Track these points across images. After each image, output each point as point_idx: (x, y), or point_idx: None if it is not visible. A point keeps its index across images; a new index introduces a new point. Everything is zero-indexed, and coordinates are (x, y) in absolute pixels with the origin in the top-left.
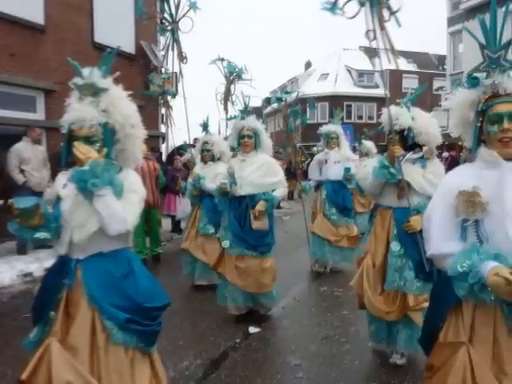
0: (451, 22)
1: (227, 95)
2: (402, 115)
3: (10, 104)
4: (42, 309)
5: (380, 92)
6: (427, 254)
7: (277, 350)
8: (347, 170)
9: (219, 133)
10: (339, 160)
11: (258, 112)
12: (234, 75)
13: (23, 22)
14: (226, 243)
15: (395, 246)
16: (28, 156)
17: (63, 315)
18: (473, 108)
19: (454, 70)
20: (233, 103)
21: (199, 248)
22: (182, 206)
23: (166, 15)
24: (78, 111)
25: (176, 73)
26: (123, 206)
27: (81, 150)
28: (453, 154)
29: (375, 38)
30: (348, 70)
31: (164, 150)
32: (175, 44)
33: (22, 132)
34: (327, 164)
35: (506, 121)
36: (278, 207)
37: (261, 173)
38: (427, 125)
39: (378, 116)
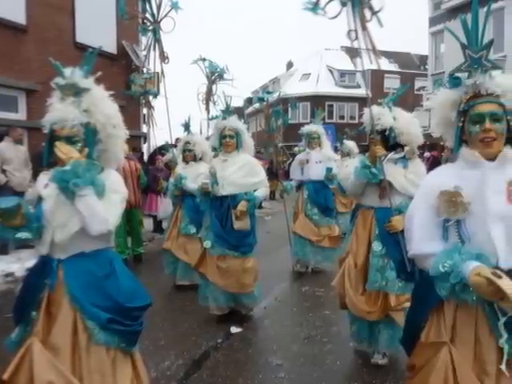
0: (433, 22)
1: (209, 95)
2: (384, 115)
3: None
4: (24, 309)
5: (362, 92)
6: (409, 254)
7: (258, 350)
8: (329, 169)
9: (201, 133)
10: (321, 160)
11: (239, 112)
12: (215, 75)
13: (5, 22)
14: (207, 243)
15: (377, 246)
16: (9, 156)
17: (45, 315)
18: (454, 108)
19: (435, 70)
20: (214, 103)
21: (181, 248)
22: (164, 206)
23: (147, 15)
24: (60, 111)
25: (158, 73)
26: (105, 206)
27: (62, 149)
28: (434, 153)
29: (357, 38)
30: (330, 70)
31: (146, 149)
32: (157, 44)
33: (4, 132)
34: (309, 164)
35: (488, 121)
36: (260, 207)
37: (242, 173)
38: (409, 125)
39: (360, 116)
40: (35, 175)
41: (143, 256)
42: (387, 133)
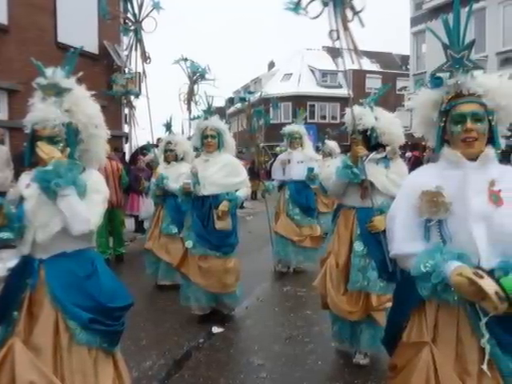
0: (414, 22)
1: (190, 95)
2: (366, 115)
3: None
4: (5, 309)
5: (343, 92)
6: (391, 254)
7: (240, 350)
8: (310, 170)
9: (182, 133)
10: (302, 160)
11: (221, 112)
12: (197, 75)
13: None
14: (189, 243)
15: (358, 246)
16: None
17: (26, 315)
18: (436, 108)
19: (417, 70)
20: (196, 103)
21: (162, 248)
22: (146, 205)
23: (129, 15)
24: (42, 111)
25: (139, 73)
26: (86, 206)
27: (44, 149)
28: (416, 153)
29: (338, 38)
30: (311, 70)
31: (127, 149)
32: (138, 44)
33: None
34: (290, 164)
35: (470, 121)
36: (242, 207)
37: (224, 173)
38: (390, 125)
39: (342, 116)
40: (17, 175)
41: (125, 256)
42: (369, 133)
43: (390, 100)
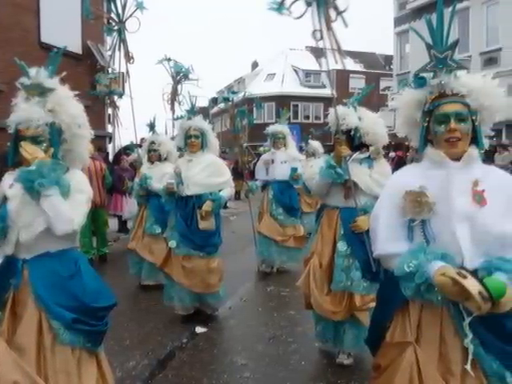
0: (398, 22)
1: (174, 95)
2: (349, 115)
3: None
4: None
5: (327, 92)
6: (374, 254)
7: (223, 349)
8: (294, 169)
9: (166, 133)
10: (286, 160)
11: (204, 112)
12: (180, 75)
13: None
14: (172, 243)
15: (342, 246)
16: None
17: (10, 315)
18: (419, 108)
19: (400, 70)
20: (179, 103)
21: (146, 248)
22: (129, 206)
23: (112, 15)
24: (25, 111)
25: (123, 73)
26: (70, 206)
27: (27, 149)
28: (399, 153)
29: (322, 38)
30: (295, 70)
31: (111, 149)
32: (122, 44)
33: None
34: (274, 164)
35: (453, 121)
36: (225, 207)
37: (207, 173)
38: (374, 125)
39: (325, 116)
40: (0, 175)
41: (108, 256)
42: (352, 133)
43: (374, 100)
